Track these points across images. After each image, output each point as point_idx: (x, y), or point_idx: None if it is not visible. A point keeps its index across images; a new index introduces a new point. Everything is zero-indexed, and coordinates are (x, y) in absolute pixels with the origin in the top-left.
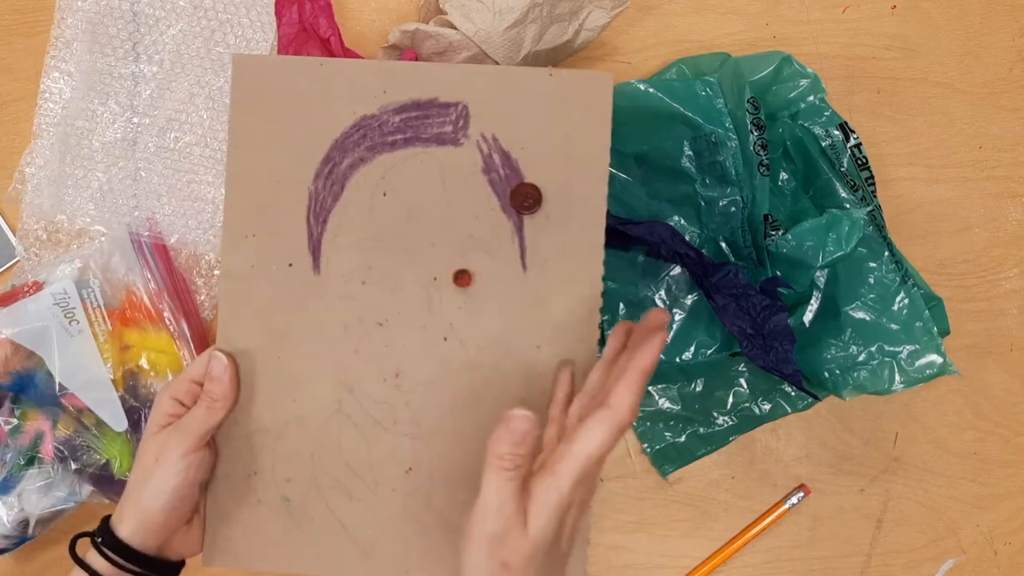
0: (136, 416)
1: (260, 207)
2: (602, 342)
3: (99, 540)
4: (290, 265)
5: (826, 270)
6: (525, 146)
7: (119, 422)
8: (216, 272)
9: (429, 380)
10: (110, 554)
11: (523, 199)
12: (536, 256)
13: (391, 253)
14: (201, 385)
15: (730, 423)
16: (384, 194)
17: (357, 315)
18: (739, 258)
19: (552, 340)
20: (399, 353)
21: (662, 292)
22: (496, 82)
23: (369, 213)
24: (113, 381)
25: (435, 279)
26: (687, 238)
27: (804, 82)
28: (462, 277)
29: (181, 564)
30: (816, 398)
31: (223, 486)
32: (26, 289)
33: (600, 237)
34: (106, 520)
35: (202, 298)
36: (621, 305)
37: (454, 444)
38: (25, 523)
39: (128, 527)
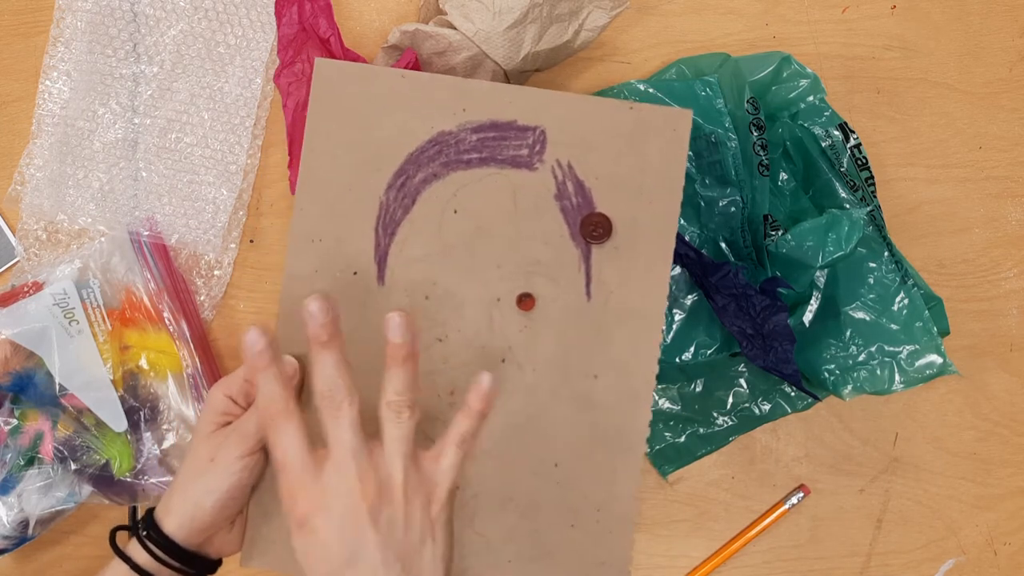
0: (136, 416)
1: (329, 213)
2: (660, 377)
3: (144, 534)
4: (355, 273)
5: (826, 270)
6: (599, 176)
7: (119, 422)
8: (216, 272)
9: None
10: (155, 549)
11: (593, 228)
12: (601, 286)
13: (456, 271)
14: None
15: (730, 423)
16: (455, 211)
17: (417, 329)
18: (739, 258)
19: (610, 371)
20: (456, 371)
21: None
22: (575, 110)
23: (438, 229)
24: (113, 381)
25: (498, 300)
26: (687, 238)
27: (804, 82)
28: (525, 301)
29: (219, 562)
30: (816, 398)
31: (267, 488)
32: (26, 289)
33: (666, 272)
34: (149, 513)
35: (202, 298)
36: None
37: (503, 467)
38: (25, 523)
39: (174, 522)
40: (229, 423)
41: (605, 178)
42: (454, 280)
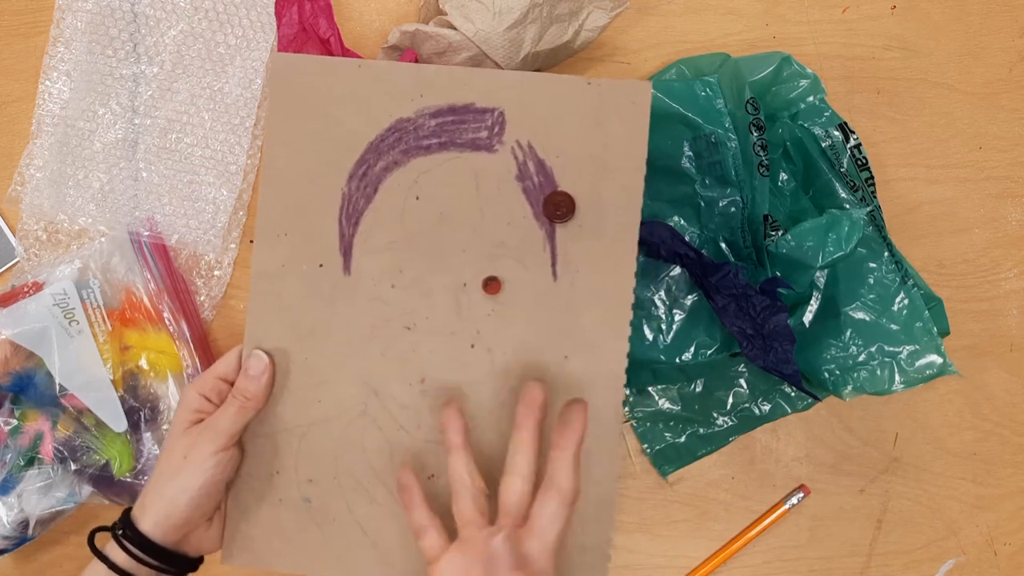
0: (136, 416)
1: (293, 207)
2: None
3: (120, 533)
4: (321, 265)
5: (826, 270)
6: (560, 154)
7: (119, 422)
8: (216, 272)
9: (454, 386)
10: (131, 547)
11: (556, 207)
12: (567, 266)
13: (422, 257)
14: (228, 382)
15: (730, 423)
16: (417, 198)
17: (385, 318)
18: (739, 258)
19: (580, 351)
20: (426, 358)
21: (662, 292)
22: (533, 89)
23: (401, 216)
24: (113, 381)
25: (465, 285)
26: (687, 238)
27: (804, 82)
28: (492, 284)
29: (200, 560)
30: (816, 398)
31: (245, 484)
32: (26, 289)
33: (633, 248)
34: (127, 513)
35: (202, 298)
36: None
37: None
38: (25, 523)
39: (150, 520)
40: (202, 420)
41: (566, 156)
42: (420, 267)
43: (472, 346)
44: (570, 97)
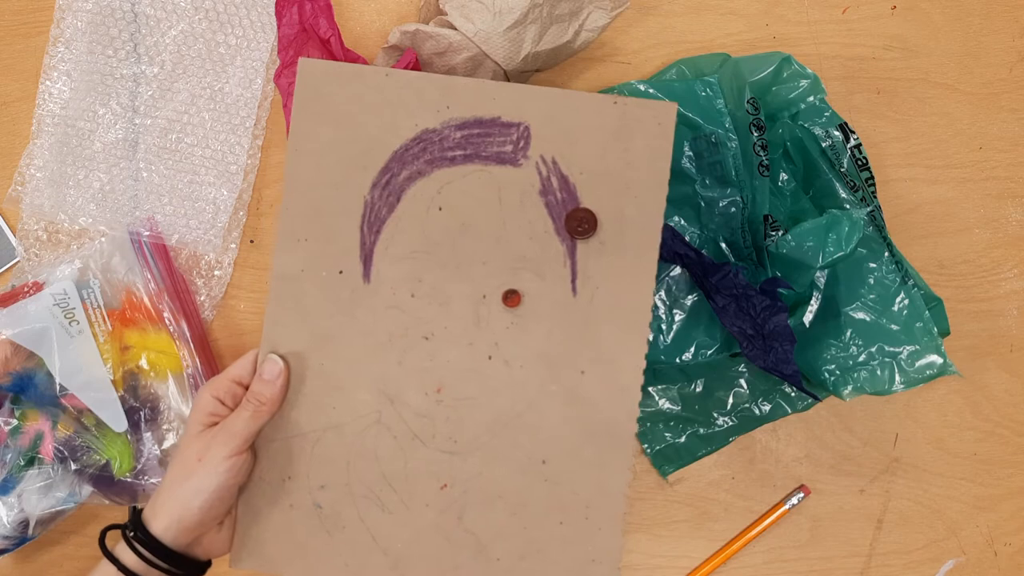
0: (136, 416)
1: (315, 212)
2: (648, 370)
3: (131, 535)
4: (341, 272)
5: (826, 271)
6: (584, 171)
7: (119, 422)
8: (216, 272)
9: (470, 397)
10: (142, 550)
11: (578, 224)
12: (587, 281)
13: (442, 268)
14: (243, 386)
15: (730, 424)
16: (440, 209)
17: (403, 327)
18: (739, 258)
19: (597, 366)
20: (443, 368)
21: (662, 292)
22: (559, 105)
23: (423, 226)
24: (113, 382)
25: (484, 297)
26: (687, 238)
27: (804, 82)
28: (511, 297)
29: (208, 564)
30: (816, 399)
31: (257, 488)
32: (26, 289)
33: (653, 267)
34: (137, 514)
35: (202, 298)
36: None
37: (491, 463)
38: (25, 523)
39: (162, 523)
40: (216, 423)
41: (590, 173)
42: (440, 277)
43: (490, 358)
44: (596, 115)
